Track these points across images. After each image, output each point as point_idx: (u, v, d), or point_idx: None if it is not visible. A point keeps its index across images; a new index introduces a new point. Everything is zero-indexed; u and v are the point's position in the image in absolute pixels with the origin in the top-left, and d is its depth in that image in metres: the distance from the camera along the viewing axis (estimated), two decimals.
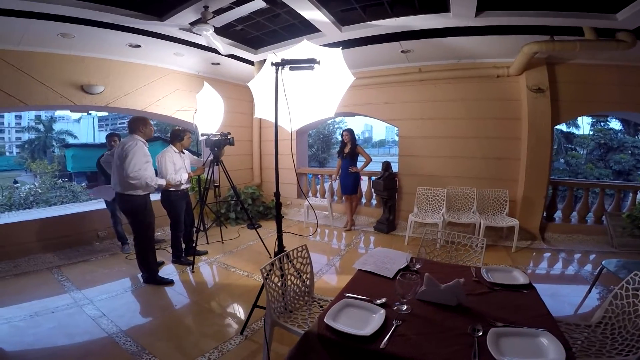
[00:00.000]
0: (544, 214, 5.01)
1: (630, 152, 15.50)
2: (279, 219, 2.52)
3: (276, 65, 2.34)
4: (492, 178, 5.07)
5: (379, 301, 1.58)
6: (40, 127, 27.34)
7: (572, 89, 4.66)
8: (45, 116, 27.39)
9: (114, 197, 3.51)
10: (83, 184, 14.24)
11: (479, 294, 1.70)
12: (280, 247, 2.54)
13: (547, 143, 4.78)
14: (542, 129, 4.70)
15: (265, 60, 5.15)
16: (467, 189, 5.06)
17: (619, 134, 16.12)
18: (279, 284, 1.96)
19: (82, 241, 4.61)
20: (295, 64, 2.33)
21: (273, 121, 2.79)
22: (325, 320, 1.40)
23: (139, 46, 4.33)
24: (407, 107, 5.49)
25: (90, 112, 6.43)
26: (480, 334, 1.31)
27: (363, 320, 1.45)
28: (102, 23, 3.46)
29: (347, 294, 1.63)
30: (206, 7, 3.14)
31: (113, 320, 2.76)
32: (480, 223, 4.52)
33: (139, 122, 3.33)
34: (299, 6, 3.30)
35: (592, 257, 4.35)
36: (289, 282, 2.08)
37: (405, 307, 1.52)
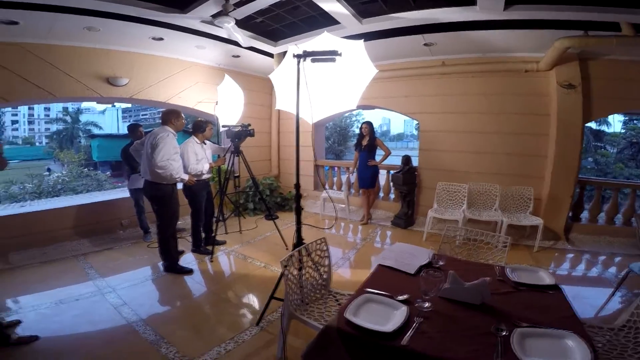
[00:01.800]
0: (570, 214, 4.82)
1: None
2: (298, 210, 2.51)
3: (297, 57, 2.32)
4: (515, 175, 4.90)
5: (400, 297, 1.56)
6: (68, 118, 28.40)
7: (606, 86, 4.42)
8: (72, 108, 28.43)
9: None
10: (107, 173, 14.75)
11: (503, 293, 1.67)
12: (299, 239, 2.55)
13: (576, 141, 4.57)
14: (572, 126, 4.50)
15: (284, 52, 5.17)
16: (490, 186, 4.91)
17: None
18: (297, 276, 1.96)
19: (107, 229, 4.77)
20: (316, 55, 2.31)
21: (294, 113, 2.80)
22: (345, 315, 1.39)
23: (161, 39, 4.39)
24: (429, 100, 5.37)
25: (114, 104, 6.60)
26: (504, 333, 1.28)
27: (384, 316, 1.44)
28: (126, 16, 3.52)
29: (368, 289, 1.62)
30: (227, 0, 3.14)
31: (134, 309, 2.83)
32: (502, 221, 4.39)
33: (171, 115, 3.42)
34: None
35: (618, 259, 4.16)
36: (307, 275, 2.08)
37: (427, 304, 1.49)
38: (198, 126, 3.99)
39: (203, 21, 3.73)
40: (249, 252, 4.18)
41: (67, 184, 11.17)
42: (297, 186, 2.52)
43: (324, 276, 2.23)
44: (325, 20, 3.93)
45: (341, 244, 4.67)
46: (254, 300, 3.10)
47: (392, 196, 6.15)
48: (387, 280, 1.78)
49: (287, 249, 4.18)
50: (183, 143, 3.86)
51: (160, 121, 3.46)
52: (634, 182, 6.45)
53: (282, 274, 1.83)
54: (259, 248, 4.34)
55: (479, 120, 5.07)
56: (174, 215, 3.55)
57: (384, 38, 4.29)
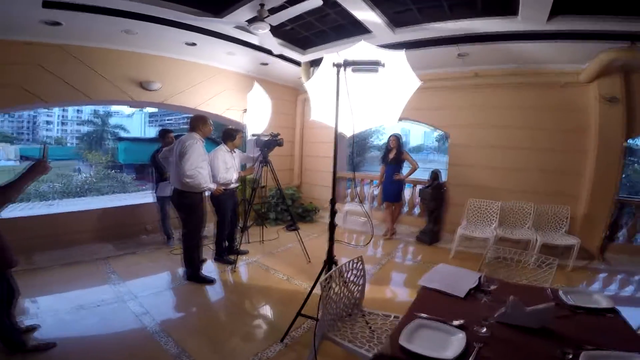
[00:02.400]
0: (606, 233, 4.53)
1: None
2: (332, 227, 2.44)
3: (338, 66, 2.25)
4: (549, 193, 4.67)
5: (455, 322, 1.46)
6: (98, 120, 29.48)
7: None
8: (103, 111, 29.49)
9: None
10: (132, 176, 15.12)
11: (560, 317, 1.57)
12: (331, 257, 2.46)
13: (617, 158, 4.33)
14: (613, 142, 4.27)
15: (312, 61, 5.14)
16: (523, 204, 4.70)
17: None
18: (333, 297, 1.86)
19: (131, 233, 4.81)
20: (358, 65, 2.24)
21: (329, 124, 2.73)
22: (400, 342, 1.30)
23: (194, 44, 4.44)
24: (460, 113, 5.21)
25: (142, 108, 6.72)
26: (571, 357, 1.24)
27: (440, 343, 1.36)
28: (164, 20, 3.56)
29: (420, 314, 1.50)
30: (262, 5, 3.15)
31: (155, 318, 2.78)
32: (536, 239, 4.18)
33: (199, 121, 3.41)
34: (353, 6, 3.23)
35: None
36: (341, 294, 1.98)
37: (484, 330, 1.41)
38: (228, 134, 3.98)
39: (237, 27, 3.75)
40: (271, 263, 4.10)
41: (94, 185, 11.49)
42: (333, 201, 2.44)
43: (357, 295, 2.12)
44: (356, 29, 3.89)
45: (364, 260, 4.51)
46: (277, 315, 3.00)
47: (417, 211, 5.98)
48: (435, 304, 1.67)
49: (309, 262, 4.08)
50: (213, 151, 3.85)
51: (188, 127, 3.45)
52: None
53: (321, 296, 1.73)
54: (281, 260, 4.25)
55: (513, 135, 4.87)
56: (201, 224, 3.52)
57: (415, 48, 4.20)
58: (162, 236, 4.74)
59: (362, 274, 2.10)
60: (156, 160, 4.16)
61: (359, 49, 2.43)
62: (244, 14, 3.34)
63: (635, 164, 15.11)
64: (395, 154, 5.07)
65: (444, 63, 4.82)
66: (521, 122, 4.81)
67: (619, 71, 4.10)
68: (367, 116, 2.62)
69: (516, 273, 2.43)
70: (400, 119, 6.16)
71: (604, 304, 1.67)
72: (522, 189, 4.82)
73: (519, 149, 4.84)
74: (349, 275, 2.00)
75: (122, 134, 28.81)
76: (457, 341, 1.35)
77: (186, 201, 3.36)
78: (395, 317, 2.05)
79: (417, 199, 5.82)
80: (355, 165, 22.99)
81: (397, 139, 5.12)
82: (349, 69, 2.25)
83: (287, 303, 3.05)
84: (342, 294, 1.96)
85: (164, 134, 4.48)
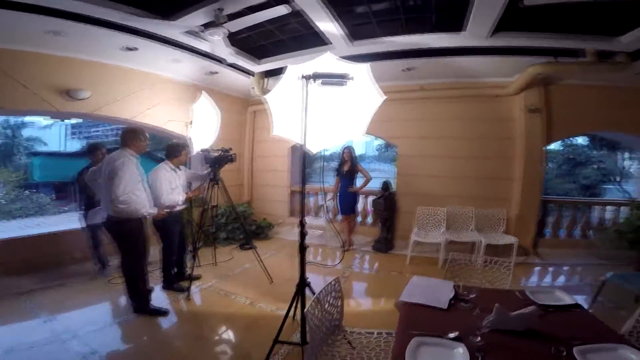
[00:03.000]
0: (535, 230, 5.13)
1: (596, 166, 16.50)
2: (302, 249, 2.32)
3: (306, 78, 2.19)
4: (487, 197, 5.13)
5: (451, 335, 1.46)
6: (8, 132, 25.17)
7: (565, 109, 4.83)
8: (14, 121, 25.29)
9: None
10: (51, 196, 13.08)
11: (538, 317, 1.64)
12: (303, 281, 2.34)
13: (539, 162, 4.94)
14: (536, 149, 4.86)
15: (266, 71, 4.98)
16: (466, 209, 5.09)
17: (586, 149, 17.15)
18: (317, 323, 1.74)
19: (56, 263, 4.12)
20: (327, 78, 2.20)
21: (294, 139, 2.64)
22: None
23: (135, 49, 4.01)
24: (407, 125, 5.50)
25: (65, 119, 5.92)
26: (565, 354, 1.32)
27: (445, 359, 1.36)
28: (99, 21, 3.16)
29: (414, 332, 1.46)
30: (220, 10, 2.95)
31: (105, 358, 2.41)
32: (481, 241, 4.53)
33: (132, 135, 3.00)
34: (317, 17, 3.21)
35: (586, 269, 4.48)
36: (323, 319, 1.86)
37: (479, 339, 1.44)
38: (173, 150, 3.60)
39: (188, 32, 3.48)
40: (230, 287, 3.79)
41: (2, 207, 9.66)
42: (302, 224, 2.32)
43: (336, 316, 2.03)
44: (315, 40, 3.88)
45: (327, 273, 4.43)
46: (248, 344, 2.73)
47: (369, 221, 6.13)
48: (422, 318, 1.66)
49: (272, 282, 3.88)
50: (154, 169, 3.44)
51: (120, 143, 2.99)
52: (588, 199, 7.20)
53: (307, 326, 1.61)
54: (241, 282, 3.96)
55: (453, 145, 5.28)
56: (143, 252, 3.09)
57: (368, 61, 4.33)
58: (95, 265, 4.13)
59: (339, 295, 2.01)
60: (84, 180, 3.53)
61: (323, 61, 2.38)
62: (198, 18, 3.10)
63: (546, 166, 17.53)
64: (350, 166, 5.14)
65: (392, 77, 5.05)
66: (460, 133, 5.24)
67: (540, 84, 4.69)
68: (334, 131, 2.58)
69: (477, 276, 2.58)
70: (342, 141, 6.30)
71: (568, 300, 1.82)
72: (463, 194, 5.21)
73: (459, 157, 5.26)
74: (328, 299, 1.90)
75: (39, 148, 24.96)
76: (460, 354, 1.36)
77: (123, 229, 2.92)
78: (378, 333, 2.01)
79: (370, 209, 5.97)
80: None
81: (350, 151, 5.20)
82: (317, 82, 2.20)
83: (256, 329, 2.85)
84: (324, 319, 1.85)
85: (93, 149, 3.90)
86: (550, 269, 4.56)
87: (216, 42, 3.41)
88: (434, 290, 1.92)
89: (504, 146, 5.07)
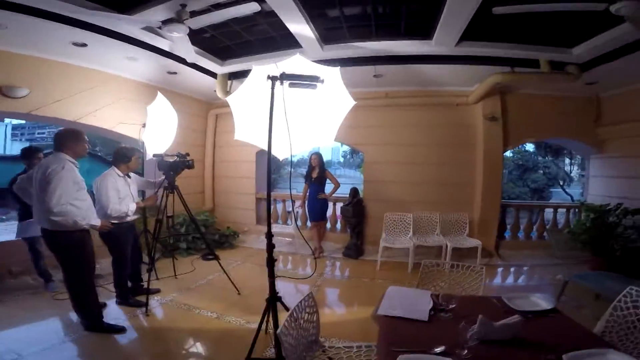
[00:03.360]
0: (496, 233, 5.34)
1: (542, 171, 17.88)
2: (271, 263, 2.17)
3: (273, 79, 2.06)
4: (450, 202, 5.28)
5: (438, 349, 1.38)
6: None
7: (519, 117, 5.11)
8: None
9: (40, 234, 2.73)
10: None
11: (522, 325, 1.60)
12: (274, 296, 2.20)
13: (499, 168, 5.19)
14: (494, 155, 5.09)
15: (231, 73, 4.77)
16: (431, 214, 5.19)
17: (533, 155, 18.57)
18: (292, 342, 1.59)
19: None
20: (297, 80, 2.09)
21: (258, 144, 2.51)
22: None
23: (84, 45, 3.64)
24: (373, 131, 5.54)
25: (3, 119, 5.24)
26: None
27: None
28: (46, 13, 2.81)
29: (398, 349, 1.37)
30: (183, 6, 2.74)
31: None
32: (447, 245, 4.62)
33: (69, 137, 2.65)
34: (290, 18, 3.09)
35: (544, 269, 4.71)
36: (299, 337, 1.73)
37: (465, 352, 1.36)
38: (122, 154, 3.25)
39: (146, 28, 3.20)
40: (193, 300, 3.50)
41: None
42: (269, 236, 2.18)
43: (312, 331, 1.90)
44: (285, 42, 3.77)
45: (300, 282, 4.29)
46: None
47: (339, 227, 6.07)
48: (404, 332, 1.56)
49: (239, 293, 3.65)
50: (100, 176, 3.09)
51: (54, 146, 2.62)
52: (543, 202, 7.73)
53: (282, 347, 1.47)
54: (205, 295, 3.68)
55: (417, 152, 5.39)
56: (88, 267, 2.74)
57: (338, 66, 4.30)
58: (37, 279, 3.68)
59: (314, 310, 1.89)
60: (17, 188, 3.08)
61: (292, 62, 2.26)
62: (159, 13, 2.85)
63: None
64: (318, 172, 5.04)
65: (360, 83, 5.05)
66: (423, 140, 5.37)
67: (497, 93, 4.94)
68: (302, 136, 2.45)
69: (448, 280, 2.55)
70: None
71: (545, 305, 1.82)
72: (428, 200, 5.32)
73: (423, 164, 5.38)
74: (302, 315, 1.76)
75: None
76: None
77: (61, 242, 2.58)
78: (357, 347, 1.90)
79: (339, 216, 5.92)
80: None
81: (318, 157, 5.11)
82: (285, 84, 2.08)
83: (225, 345, 2.65)
84: (300, 337, 1.71)
85: (28, 153, 3.47)
86: (513, 269, 4.77)
87: (177, 40, 3.16)
88: (412, 301, 1.84)
89: (465, 152, 5.26)
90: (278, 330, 1.45)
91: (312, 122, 2.45)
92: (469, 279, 2.52)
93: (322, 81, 2.08)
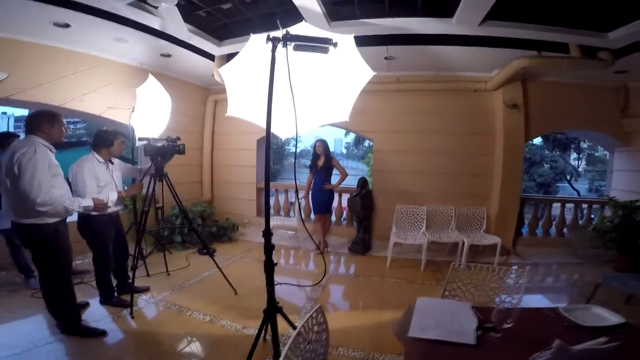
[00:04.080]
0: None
1: (549, 166, 17.50)
2: (270, 268, 1.81)
3: (274, 40, 1.69)
4: (466, 195, 4.91)
5: None
6: None
7: (541, 106, 4.73)
8: None
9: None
10: None
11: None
12: (273, 306, 1.86)
13: (519, 159, 4.82)
14: (516, 146, 4.70)
15: (230, 55, 4.39)
16: (446, 207, 4.83)
17: (540, 149, 18.18)
18: None
19: None
20: (304, 42, 1.71)
21: (253, 121, 2.15)
22: None
23: (67, 26, 3.28)
24: (383, 118, 5.15)
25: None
26: None
27: None
28: None
29: None
30: None
31: None
32: (463, 242, 4.26)
33: (42, 118, 2.33)
34: None
35: (565, 268, 4.38)
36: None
37: None
38: (102, 138, 2.89)
39: (132, 3, 2.85)
40: (185, 301, 3.17)
41: None
42: (268, 233, 1.82)
43: (321, 351, 1.54)
44: (288, 19, 3.35)
45: (302, 280, 3.94)
46: None
47: (344, 220, 5.73)
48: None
49: (236, 293, 3.32)
50: (77, 162, 2.73)
51: (25, 128, 2.34)
52: (564, 197, 7.36)
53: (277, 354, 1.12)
54: (198, 294, 3.34)
55: (432, 140, 5.01)
56: (63, 263, 2.44)
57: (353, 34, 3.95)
58: (16, 274, 3.39)
59: (324, 327, 1.53)
60: None
61: (300, 28, 1.89)
62: None
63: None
64: (324, 161, 4.68)
65: (369, 65, 4.64)
66: (437, 127, 4.98)
67: (519, 79, 4.53)
68: (310, 111, 2.08)
69: (482, 286, 2.17)
70: (324, 125, 5.87)
71: (613, 319, 1.48)
72: (443, 192, 4.96)
73: (437, 153, 4.99)
74: (310, 336, 1.40)
75: None
76: None
77: (33, 237, 2.29)
78: None
79: (345, 208, 5.58)
80: (274, 174, 22.28)
81: (322, 144, 4.74)
82: (290, 47, 1.71)
83: (218, 354, 2.35)
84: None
85: (3, 139, 3.14)
86: (533, 268, 4.36)
87: (165, 14, 2.79)
88: (451, 319, 1.47)
89: (482, 142, 4.87)
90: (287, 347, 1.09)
91: (322, 95, 2.09)
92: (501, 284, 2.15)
93: (335, 44, 1.71)
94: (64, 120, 2.47)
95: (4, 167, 2.19)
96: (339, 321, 2.83)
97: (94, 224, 2.74)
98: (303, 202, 5.39)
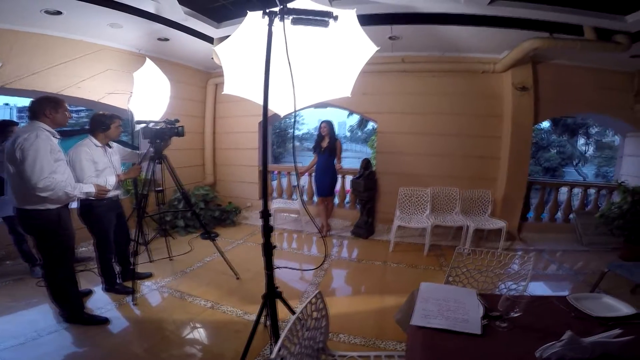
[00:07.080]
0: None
1: (556, 150, 17.21)
2: (268, 251, 1.77)
3: (270, 14, 1.59)
4: (472, 177, 4.81)
5: None
6: None
7: (552, 89, 4.56)
8: None
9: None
10: None
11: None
12: (272, 290, 1.83)
13: (528, 142, 4.68)
14: (524, 128, 4.57)
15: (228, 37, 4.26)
16: (450, 189, 4.74)
17: (547, 133, 17.86)
18: (297, 356, 1.21)
19: None
20: (302, 15, 1.61)
21: (250, 98, 2.11)
22: None
23: (59, 13, 3.17)
24: (387, 99, 5.00)
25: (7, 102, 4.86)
26: None
27: None
28: None
29: None
30: None
31: None
32: (467, 226, 4.20)
33: (46, 103, 2.30)
34: None
35: (569, 255, 4.32)
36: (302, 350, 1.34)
37: None
38: (99, 122, 2.83)
39: None
40: (187, 287, 3.17)
41: None
42: (266, 214, 1.77)
43: (320, 338, 1.51)
44: None
45: (304, 264, 3.94)
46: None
47: (347, 203, 5.67)
48: (450, 350, 1.15)
49: (238, 278, 3.32)
50: (74, 147, 2.69)
51: (29, 114, 2.32)
52: (572, 181, 7.20)
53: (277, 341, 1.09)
54: (200, 280, 3.34)
55: (437, 121, 4.87)
56: (67, 251, 2.44)
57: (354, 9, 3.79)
58: (21, 263, 3.40)
59: (324, 314, 1.49)
60: None
61: (299, 3, 1.79)
62: None
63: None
64: (329, 142, 4.59)
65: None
66: (443, 109, 4.83)
67: (529, 61, 4.35)
68: (310, 86, 2.02)
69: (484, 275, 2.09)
70: (325, 106, 5.72)
71: (624, 309, 1.41)
72: (447, 174, 4.86)
73: (442, 135, 4.86)
74: (309, 323, 1.36)
75: None
76: None
77: (35, 223, 2.28)
78: (376, 357, 1.53)
79: (348, 190, 5.51)
80: (277, 157, 22.13)
81: (328, 125, 4.64)
82: (288, 21, 1.62)
83: (218, 341, 2.35)
84: (304, 347, 1.32)
85: (2, 127, 3.12)
86: (537, 255, 4.33)
87: None
88: (455, 306, 1.41)
89: (489, 124, 4.72)
90: (274, 355, 1.05)
91: (323, 70, 2.01)
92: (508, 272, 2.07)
93: (336, 17, 1.61)
94: (67, 107, 2.44)
95: (7, 152, 2.18)
96: (341, 306, 2.82)
97: (95, 207, 2.72)
98: (306, 184, 5.34)
